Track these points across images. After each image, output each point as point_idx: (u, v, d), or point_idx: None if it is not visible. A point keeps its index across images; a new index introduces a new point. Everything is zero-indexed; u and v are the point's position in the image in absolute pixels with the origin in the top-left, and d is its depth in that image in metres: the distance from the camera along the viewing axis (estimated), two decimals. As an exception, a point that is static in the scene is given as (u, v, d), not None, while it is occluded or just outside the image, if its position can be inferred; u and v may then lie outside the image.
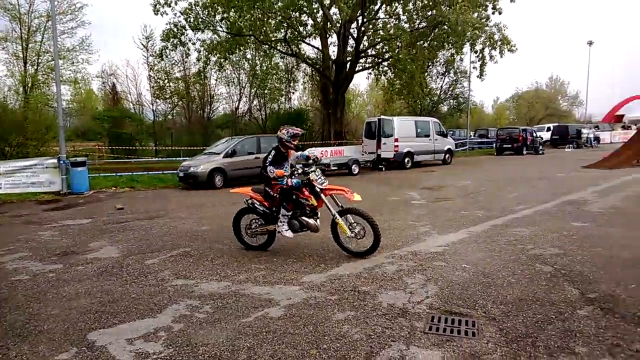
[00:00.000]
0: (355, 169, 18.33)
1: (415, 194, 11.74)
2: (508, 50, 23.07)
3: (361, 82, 52.59)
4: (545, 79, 59.82)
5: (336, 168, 18.07)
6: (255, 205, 6.27)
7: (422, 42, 24.49)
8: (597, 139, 36.94)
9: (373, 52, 25.69)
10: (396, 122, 19.92)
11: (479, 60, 24.01)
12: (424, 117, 26.19)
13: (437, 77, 39.01)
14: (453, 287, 4.62)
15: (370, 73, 29.13)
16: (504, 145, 28.63)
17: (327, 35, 25.12)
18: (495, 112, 62.58)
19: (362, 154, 20.37)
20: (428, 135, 21.34)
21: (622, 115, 58.57)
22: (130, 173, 17.25)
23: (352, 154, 20.30)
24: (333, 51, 25.87)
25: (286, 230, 5.96)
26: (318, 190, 5.80)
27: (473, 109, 43.37)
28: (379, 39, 23.77)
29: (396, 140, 19.59)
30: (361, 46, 24.43)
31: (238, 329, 3.80)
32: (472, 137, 36.82)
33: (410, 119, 22.27)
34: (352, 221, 5.74)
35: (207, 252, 6.38)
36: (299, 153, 6.28)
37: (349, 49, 24.72)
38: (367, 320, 3.90)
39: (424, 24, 23.71)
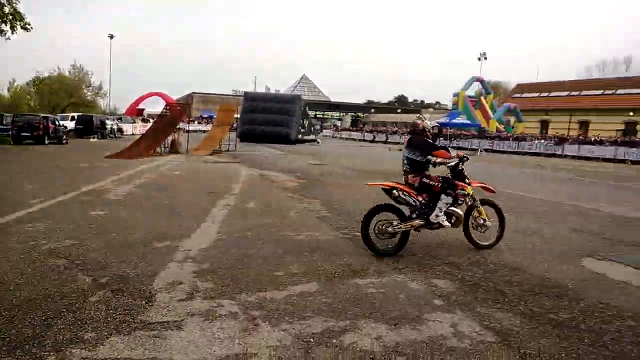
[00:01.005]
0: None
1: None
2: (22, 28, 21.00)
3: None
4: (69, 66, 58.17)
5: None
6: (406, 198, 5.80)
7: None
8: (120, 130, 39.11)
9: None
10: None
11: (-16, 33, 20.84)
12: None
13: None
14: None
15: None
16: (23, 134, 26.11)
17: None
18: (13, 96, 56.47)
19: None
20: None
21: (143, 110, 64.31)
22: None
23: None
24: None
25: (445, 220, 5.76)
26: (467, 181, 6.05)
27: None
28: None
29: None
30: None
31: None
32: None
33: None
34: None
35: None
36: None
37: None
38: None
39: None
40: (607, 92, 47.97)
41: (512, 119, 47.42)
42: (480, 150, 33.96)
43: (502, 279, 4.99)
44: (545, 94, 53.86)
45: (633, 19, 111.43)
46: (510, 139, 38.12)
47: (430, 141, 6.16)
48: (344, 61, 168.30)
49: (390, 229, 5.69)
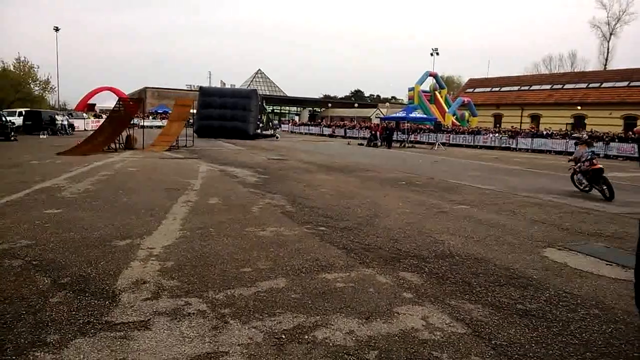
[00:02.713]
0: None
1: None
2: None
3: None
4: (13, 60, 55.35)
5: None
6: None
7: None
8: (71, 126, 37.64)
9: None
10: None
11: None
12: None
13: None
14: None
15: None
16: (-33, 130, 24.84)
17: None
18: (-46, 90, 53.31)
19: None
20: None
21: (94, 105, 62.12)
22: None
23: None
24: None
25: None
26: None
27: None
28: None
29: None
30: None
31: None
32: None
33: None
34: None
35: None
36: None
37: None
38: None
39: None
40: (555, 86, 49.98)
41: (467, 113, 48.75)
42: (438, 144, 34.62)
43: (469, 271, 5.11)
44: (497, 89, 55.58)
45: (576, 16, 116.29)
46: (466, 133, 39.07)
47: None
48: (299, 56, 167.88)
49: None
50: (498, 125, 48.38)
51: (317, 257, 5.38)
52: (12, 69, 53.38)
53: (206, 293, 4.19)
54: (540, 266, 5.40)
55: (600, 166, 11.07)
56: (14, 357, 2.98)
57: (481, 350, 3.32)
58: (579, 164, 11.65)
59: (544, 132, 35.16)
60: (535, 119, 48.52)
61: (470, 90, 58.62)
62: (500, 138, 35.93)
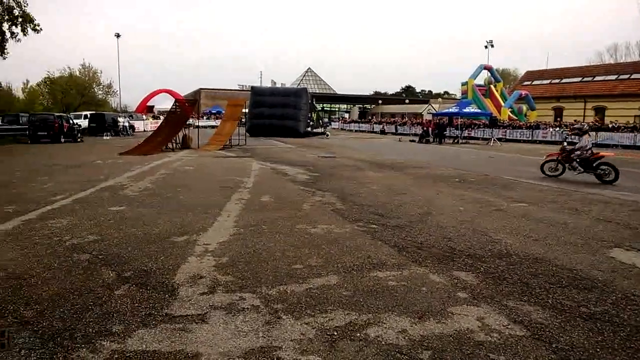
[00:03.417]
0: None
1: None
2: (32, 29, 21.30)
3: None
4: (78, 66, 58.59)
5: None
6: None
7: None
8: (132, 127, 39.39)
9: None
10: None
11: (-4, 36, 21.18)
12: None
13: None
14: (-28, 300, 3.90)
15: None
16: (39, 133, 26.51)
17: None
18: (27, 96, 57.06)
19: None
20: None
21: (153, 106, 64.68)
22: None
23: None
24: None
25: None
26: None
27: (-1, 91, 38.01)
28: None
29: None
30: None
31: None
32: (1, 123, 32.35)
33: None
34: None
35: None
36: None
37: None
38: None
39: None
40: (621, 76, 47.23)
41: (525, 107, 46.98)
42: (494, 140, 33.54)
43: (527, 271, 4.94)
44: (557, 81, 53.17)
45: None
46: (524, 127, 37.65)
47: None
48: (349, 54, 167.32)
49: None
50: (559, 119, 46.33)
51: (369, 255, 5.37)
52: (77, 74, 56.48)
53: (259, 288, 4.28)
54: (606, 267, 5.13)
55: (604, 154, 12.76)
56: (83, 345, 3.17)
57: (541, 354, 3.20)
58: (578, 152, 12.65)
59: (610, 125, 33.30)
60: (600, 111, 46.07)
61: (528, 82, 56.43)
62: (562, 132, 34.40)
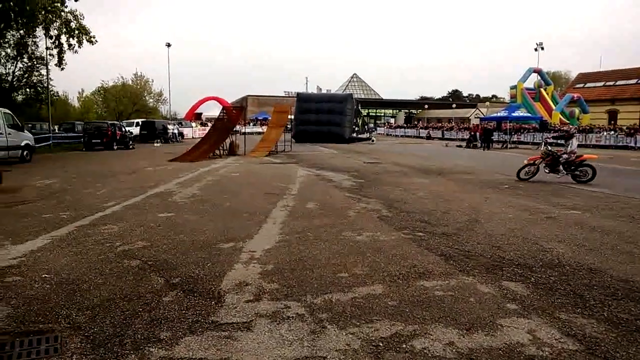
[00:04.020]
0: None
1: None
2: (87, 41, 22.38)
3: None
4: (131, 75, 61.19)
5: None
6: None
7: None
8: (181, 134, 40.60)
9: None
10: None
11: (55, 48, 22.34)
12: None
13: (7, 60, 33.58)
14: (31, 304, 4.08)
15: None
16: (94, 140, 27.74)
17: None
18: (82, 105, 59.89)
19: None
20: (-3, 129, 18.26)
21: (201, 114, 66.32)
22: None
23: None
24: None
25: None
26: None
27: (57, 100, 40.05)
28: None
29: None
30: None
31: None
32: (57, 131, 34.07)
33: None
34: None
35: None
36: None
37: None
38: None
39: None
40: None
41: (577, 110, 45.16)
42: (545, 144, 32.32)
43: (581, 282, 4.72)
44: (611, 83, 50.77)
45: None
46: (576, 131, 36.16)
47: None
48: (394, 58, 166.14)
49: None
50: (613, 122, 44.24)
51: (415, 264, 5.27)
52: (130, 83, 58.81)
53: (304, 297, 4.28)
54: (666, 280, 4.83)
55: (588, 157, 13.21)
56: (131, 352, 3.25)
57: (597, 370, 3.05)
58: (566, 156, 12.87)
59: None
60: (658, 114, 43.64)
61: (580, 85, 54.17)
62: (616, 136, 32.80)
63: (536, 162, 13.39)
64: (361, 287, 4.53)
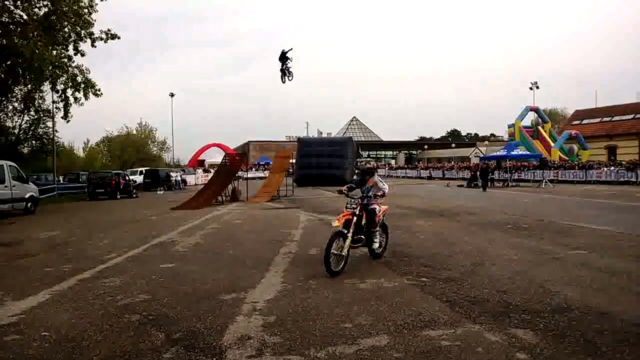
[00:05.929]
0: None
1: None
2: (93, 94, 22.90)
3: None
4: (135, 125, 62.30)
5: None
6: None
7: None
8: (184, 181, 40.85)
9: None
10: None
11: (61, 101, 22.87)
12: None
13: (14, 114, 34.25)
14: (28, 364, 4.01)
15: None
16: (97, 190, 27.95)
17: None
18: (87, 155, 60.66)
19: None
20: (3, 182, 18.41)
21: (204, 160, 66.98)
22: None
23: None
24: None
25: None
26: None
27: (62, 151, 40.53)
28: None
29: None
30: None
31: None
32: (62, 181, 34.37)
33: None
34: None
35: None
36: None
37: None
38: None
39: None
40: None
41: (576, 147, 45.48)
42: (545, 182, 32.32)
43: (591, 327, 4.61)
44: (608, 119, 51.36)
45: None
46: (576, 168, 36.27)
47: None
48: (393, 100, 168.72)
49: None
50: (612, 158, 44.42)
51: (420, 312, 5.18)
52: (134, 132, 59.77)
53: (308, 350, 4.18)
54: (679, 323, 4.72)
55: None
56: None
57: None
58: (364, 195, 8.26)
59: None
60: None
61: (577, 122, 54.82)
62: (617, 171, 32.85)
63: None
64: (366, 339, 4.43)
